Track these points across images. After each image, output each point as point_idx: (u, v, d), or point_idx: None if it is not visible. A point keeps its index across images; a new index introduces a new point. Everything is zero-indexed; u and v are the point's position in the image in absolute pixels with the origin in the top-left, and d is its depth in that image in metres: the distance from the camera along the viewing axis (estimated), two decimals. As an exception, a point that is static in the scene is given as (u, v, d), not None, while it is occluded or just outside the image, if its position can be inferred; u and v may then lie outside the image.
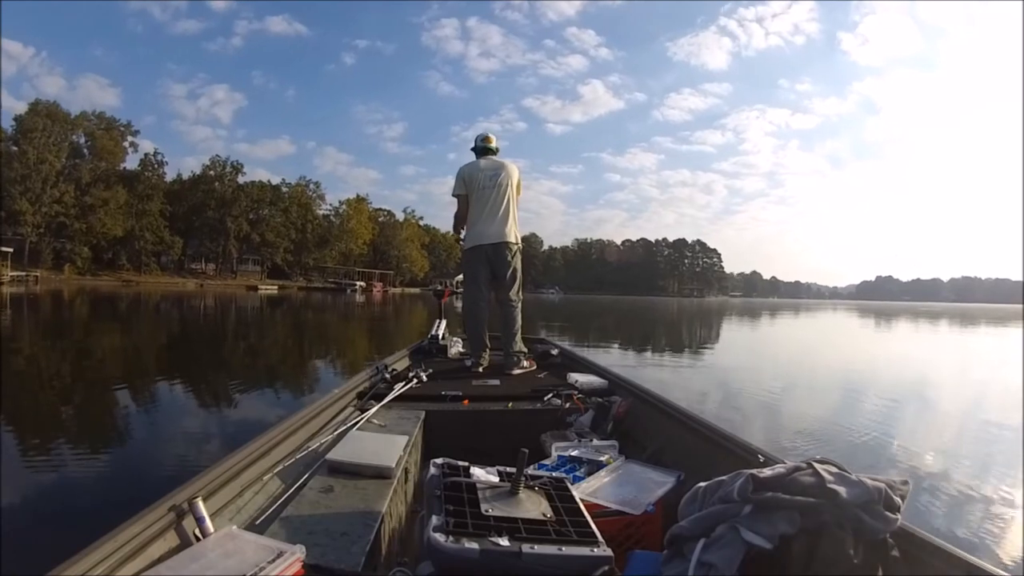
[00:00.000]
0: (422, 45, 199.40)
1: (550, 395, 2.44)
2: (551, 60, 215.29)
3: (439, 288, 4.67)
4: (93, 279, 44.75)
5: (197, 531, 1.07)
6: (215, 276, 57.27)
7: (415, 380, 2.65)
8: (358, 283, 58.75)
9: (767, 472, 0.97)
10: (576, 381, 2.65)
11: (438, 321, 4.13)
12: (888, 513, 0.92)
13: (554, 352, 3.69)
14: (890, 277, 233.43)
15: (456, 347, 3.85)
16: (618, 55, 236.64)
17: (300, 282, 60.67)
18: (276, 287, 51.49)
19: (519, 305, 3.44)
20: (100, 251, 48.91)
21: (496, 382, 2.88)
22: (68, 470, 2.93)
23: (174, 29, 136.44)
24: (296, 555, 0.95)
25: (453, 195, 3.57)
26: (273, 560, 0.92)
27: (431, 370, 2.91)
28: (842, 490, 0.91)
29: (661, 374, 7.29)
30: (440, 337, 3.96)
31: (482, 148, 3.58)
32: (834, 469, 0.97)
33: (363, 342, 10.61)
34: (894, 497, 0.94)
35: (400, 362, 3.27)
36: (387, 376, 2.68)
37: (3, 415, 3.86)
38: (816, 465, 0.98)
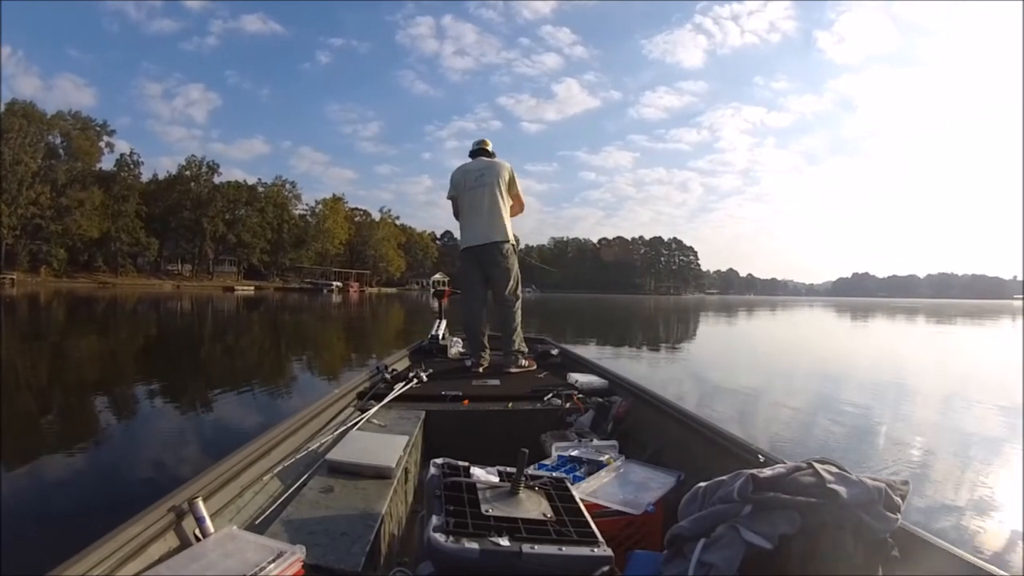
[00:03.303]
0: (397, 44, 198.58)
1: (550, 395, 2.44)
2: (526, 58, 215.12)
3: (439, 288, 4.67)
4: (69, 281, 44.18)
5: (197, 531, 1.07)
6: (191, 277, 56.82)
7: (415, 380, 2.65)
8: (334, 283, 58.33)
9: (767, 472, 0.97)
10: (576, 381, 2.65)
11: (438, 321, 4.13)
12: (888, 513, 0.92)
13: (554, 352, 3.69)
14: (867, 274, 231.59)
15: (456, 347, 3.85)
16: (593, 53, 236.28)
17: (276, 283, 60.28)
18: (252, 288, 50.96)
19: (516, 304, 3.42)
20: (76, 253, 48.43)
21: (496, 382, 2.89)
22: (67, 471, 2.93)
23: (149, 28, 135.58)
24: (296, 555, 0.95)
25: (448, 198, 3.58)
26: (273, 560, 0.92)
27: (431, 370, 2.91)
28: (842, 490, 0.91)
29: (637, 367, 7.30)
30: (440, 337, 3.96)
31: (475, 150, 3.59)
32: (834, 469, 0.97)
33: (340, 345, 10.67)
34: (894, 497, 0.94)
35: (400, 362, 3.28)
36: (387, 376, 2.68)
37: (1, 417, 3.85)
38: (816, 465, 0.98)
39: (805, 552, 0.88)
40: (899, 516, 0.94)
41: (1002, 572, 0.87)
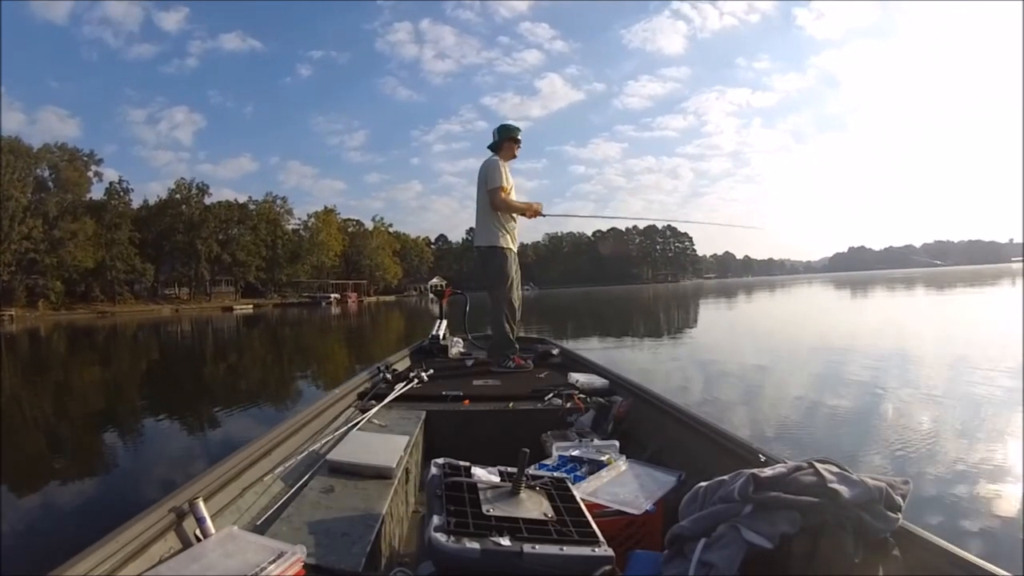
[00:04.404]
0: (376, 51, 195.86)
1: (551, 395, 2.44)
2: (507, 57, 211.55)
3: (439, 289, 4.67)
4: (68, 313, 43.68)
5: (198, 532, 1.08)
6: (189, 300, 56.64)
7: (416, 380, 2.65)
8: (332, 295, 58.57)
9: (768, 472, 0.97)
10: (577, 381, 2.65)
11: (438, 321, 4.13)
12: (889, 512, 0.92)
13: (554, 352, 3.69)
14: (863, 247, 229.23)
15: (456, 347, 3.85)
16: (573, 47, 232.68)
17: (275, 299, 60.24)
18: (251, 306, 50.96)
19: (500, 306, 3.42)
20: (73, 284, 47.82)
21: (496, 382, 2.89)
22: (70, 472, 2.93)
23: (128, 54, 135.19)
24: (297, 555, 0.95)
25: None
26: (274, 560, 0.92)
27: (432, 370, 2.91)
28: (843, 490, 0.91)
29: (637, 358, 7.29)
30: (441, 337, 3.96)
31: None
32: (835, 468, 0.97)
33: (342, 355, 10.72)
34: (895, 497, 0.94)
35: (401, 362, 3.28)
36: (388, 376, 2.69)
37: (9, 425, 3.86)
38: (817, 465, 0.98)
39: (806, 552, 0.88)
40: (900, 515, 0.94)
41: (1003, 571, 0.87)
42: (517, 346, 3.43)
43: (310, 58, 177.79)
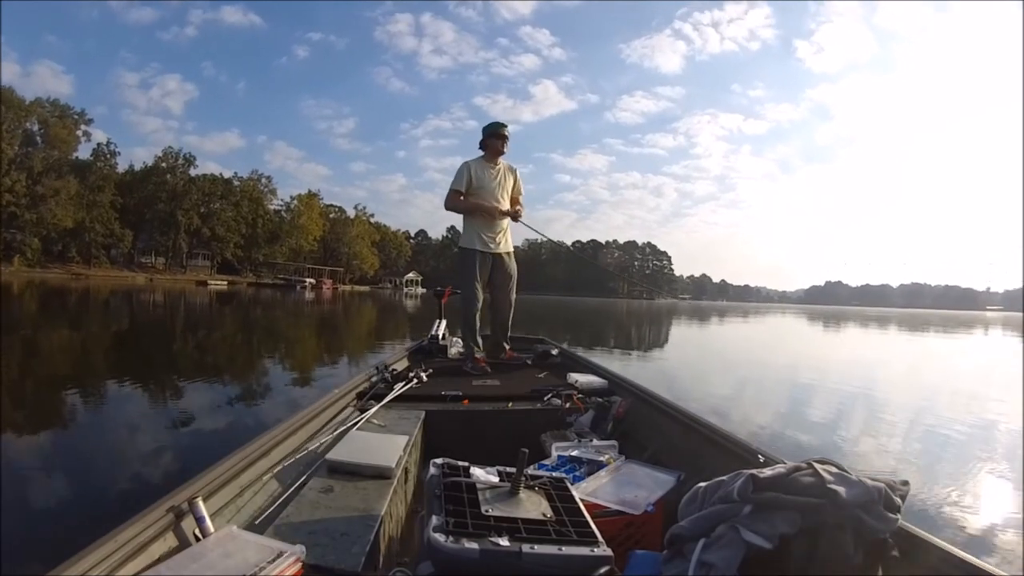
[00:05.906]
0: (375, 40, 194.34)
1: (550, 395, 2.44)
2: (504, 59, 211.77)
3: (439, 288, 4.66)
4: (43, 272, 42.84)
5: (197, 531, 1.08)
6: (165, 270, 55.90)
7: (415, 380, 2.65)
8: (308, 280, 58.08)
9: (767, 472, 0.97)
10: (576, 381, 2.66)
11: (438, 321, 4.13)
12: (888, 513, 0.92)
13: (554, 352, 3.69)
14: (839, 283, 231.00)
15: (456, 347, 3.85)
16: (571, 55, 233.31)
17: (250, 278, 59.44)
18: (225, 283, 50.48)
19: (462, 306, 3.53)
20: (50, 243, 47.00)
21: (496, 382, 2.89)
22: (66, 472, 2.92)
23: (128, 17, 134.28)
24: (296, 555, 0.95)
25: None
26: (273, 560, 0.92)
27: (431, 370, 2.91)
28: (842, 490, 0.91)
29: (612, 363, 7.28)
30: (440, 337, 3.96)
31: None
32: (834, 469, 0.98)
33: (312, 341, 10.70)
34: (894, 497, 0.94)
35: (400, 362, 3.28)
36: (387, 376, 2.68)
37: (1, 416, 3.84)
38: (816, 465, 0.98)
39: (805, 552, 0.88)
40: (899, 516, 0.94)
41: (1002, 572, 0.87)
42: (477, 348, 3.42)
43: (308, 40, 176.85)
